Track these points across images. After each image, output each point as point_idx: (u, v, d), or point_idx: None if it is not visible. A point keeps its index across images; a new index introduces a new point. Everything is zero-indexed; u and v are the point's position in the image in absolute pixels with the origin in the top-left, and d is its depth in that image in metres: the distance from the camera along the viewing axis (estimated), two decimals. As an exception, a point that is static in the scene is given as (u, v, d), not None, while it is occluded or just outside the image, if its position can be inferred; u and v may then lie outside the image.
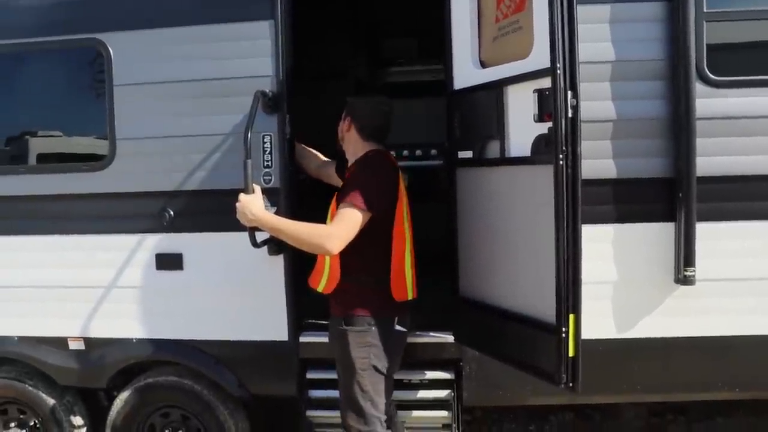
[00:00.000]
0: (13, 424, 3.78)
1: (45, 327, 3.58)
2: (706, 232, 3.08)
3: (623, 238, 3.17)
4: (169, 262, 3.41)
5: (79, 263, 3.51)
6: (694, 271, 3.08)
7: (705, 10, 3.02)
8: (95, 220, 3.48)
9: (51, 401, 3.65)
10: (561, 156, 2.52)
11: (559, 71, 2.52)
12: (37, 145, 3.67)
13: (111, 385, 3.64)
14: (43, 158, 3.67)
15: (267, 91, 3.22)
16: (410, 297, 3.00)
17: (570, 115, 2.53)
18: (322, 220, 2.93)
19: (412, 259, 3.02)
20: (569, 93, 2.53)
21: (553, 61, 2.53)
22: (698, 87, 3.03)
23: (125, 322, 3.49)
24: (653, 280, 3.18)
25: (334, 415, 3.32)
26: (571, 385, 2.65)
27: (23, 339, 3.62)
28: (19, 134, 3.68)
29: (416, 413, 3.31)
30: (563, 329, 2.59)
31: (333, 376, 3.13)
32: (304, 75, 3.86)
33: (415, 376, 3.35)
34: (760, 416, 4.37)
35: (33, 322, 3.60)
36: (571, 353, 2.61)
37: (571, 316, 2.60)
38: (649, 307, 3.22)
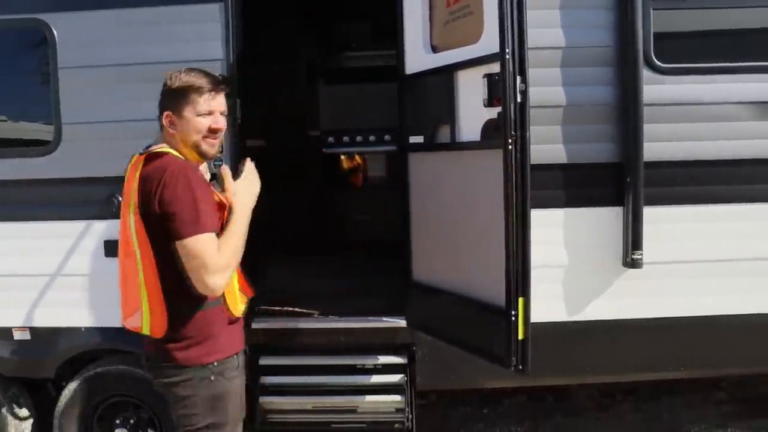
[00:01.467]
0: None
1: (-11, 317, 3.48)
2: (653, 216, 3.14)
3: (573, 223, 3.21)
4: (117, 249, 3.33)
5: (24, 250, 3.42)
6: (641, 254, 3.13)
7: (652, -2, 3.06)
8: (41, 207, 3.39)
9: (-6, 393, 3.56)
10: (510, 141, 2.54)
11: (508, 56, 2.53)
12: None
13: (59, 375, 3.56)
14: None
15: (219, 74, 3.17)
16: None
17: (519, 100, 2.55)
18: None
19: None
20: (518, 78, 2.54)
21: (502, 46, 2.54)
22: (645, 74, 3.07)
23: (73, 310, 3.41)
24: (602, 264, 3.23)
25: (287, 401, 3.32)
26: (521, 367, 2.68)
27: (-35, 330, 3.51)
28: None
29: (369, 398, 3.31)
30: (513, 313, 2.62)
31: (286, 362, 3.13)
32: (254, 59, 3.80)
33: (367, 361, 3.35)
34: (701, 393, 4.54)
35: (-25, 312, 3.49)
36: (520, 336, 2.64)
37: (521, 300, 2.63)
38: (598, 290, 3.27)
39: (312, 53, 5.86)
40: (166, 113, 2.35)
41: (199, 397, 2.31)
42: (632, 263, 3.14)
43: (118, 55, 3.30)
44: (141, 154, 2.36)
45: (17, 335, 3.47)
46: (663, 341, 3.31)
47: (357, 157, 5.93)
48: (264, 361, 3.38)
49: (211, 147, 2.37)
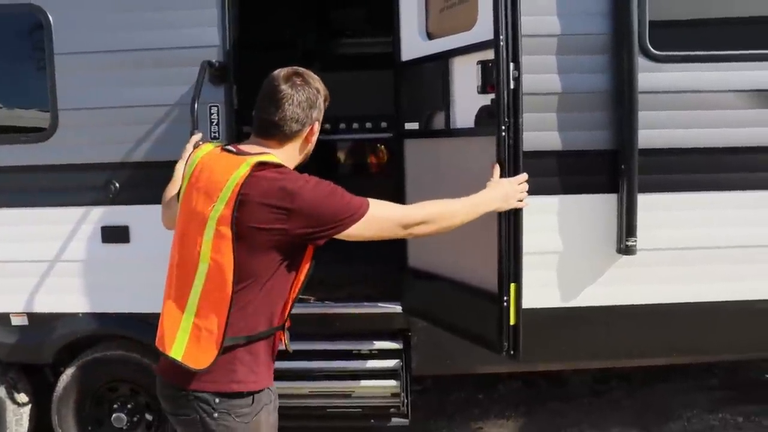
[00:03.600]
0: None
1: (-14, 303, 3.50)
2: (647, 203, 3.15)
3: (567, 209, 3.23)
4: (115, 234, 3.36)
5: (22, 237, 3.43)
6: (635, 241, 3.14)
7: (647, -15, 3.06)
8: (38, 193, 3.40)
9: (-7, 377, 3.58)
10: (503, 127, 2.55)
11: (502, 43, 2.53)
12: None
13: (57, 360, 3.58)
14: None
15: (214, 61, 3.18)
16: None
17: (512, 86, 2.55)
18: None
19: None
20: (511, 65, 2.55)
21: (496, 33, 2.54)
22: (641, 61, 3.07)
23: (71, 296, 3.43)
24: (596, 250, 3.25)
25: (284, 386, 3.33)
26: (512, 353, 2.70)
27: (-37, 315, 3.53)
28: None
29: (365, 383, 3.33)
30: (505, 298, 2.64)
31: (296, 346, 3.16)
32: (251, 45, 3.80)
33: (363, 347, 3.37)
34: (694, 380, 4.57)
35: (-26, 297, 3.51)
36: (512, 322, 2.66)
37: (513, 286, 2.65)
38: (592, 276, 3.29)
39: (309, 40, 5.84)
40: (313, 124, 2.11)
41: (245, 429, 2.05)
42: (626, 250, 3.16)
43: (114, 41, 3.29)
44: (233, 152, 2.04)
45: (15, 321, 3.48)
46: (656, 327, 3.34)
47: (382, 149, 5.90)
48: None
49: None
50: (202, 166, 2.06)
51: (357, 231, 2.01)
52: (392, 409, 3.35)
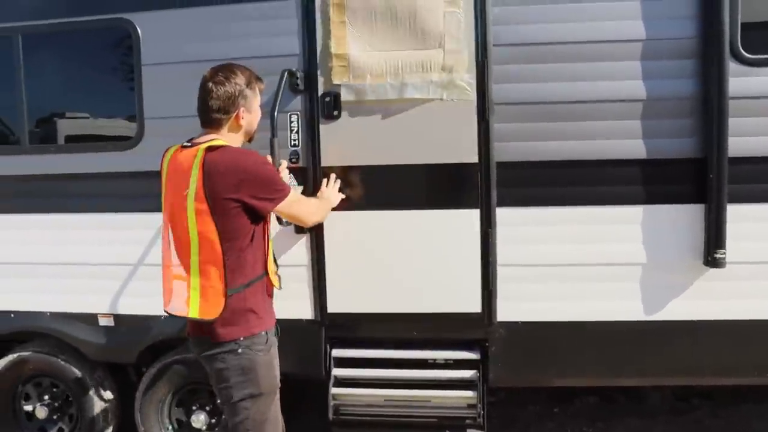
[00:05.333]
0: (46, 396, 3.87)
1: (76, 303, 3.64)
2: (737, 213, 3.04)
3: (652, 220, 3.14)
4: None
5: (108, 241, 3.57)
6: (724, 253, 3.04)
7: (740, -14, 2.96)
8: (124, 199, 3.53)
9: (82, 375, 3.72)
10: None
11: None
12: (67, 126, 3.73)
13: (140, 360, 3.69)
14: (73, 138, 3.72)
15: (294, 70, 3.23)
16: None
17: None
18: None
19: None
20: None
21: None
22: (731, 66, 2.97)
23: (153, 299, 3.50)
24: (682, 263, 3.15)
25: (359, 394, 3.35)
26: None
27: (55, 315, 3.68)
28: (50, 115, 3.73)
29: (442, 393, 3.31)
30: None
31: (358, 354, 3.18)
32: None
33: (440, 356, 3.35)
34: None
35: (64, 298, 3.66)
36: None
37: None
38: (677, 289, 3.19)
39: None
40: (239, 110, 2.64)
41: (230, 370, 2.59)
42: (714, 262, 3.05)
43: (198, 52, 3.37)
44: (189, 146, 2.62)
45: (102, 321, 3.62)
46: (744, 345, 3.19)
47: None
48: (336, 353, 3.42)
49: None
50: (171, 163, 2.65)
51: (284, 208, 2.66)
52: (468, 420, 3.30)
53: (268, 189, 2.58)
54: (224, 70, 2.62)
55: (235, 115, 2.63)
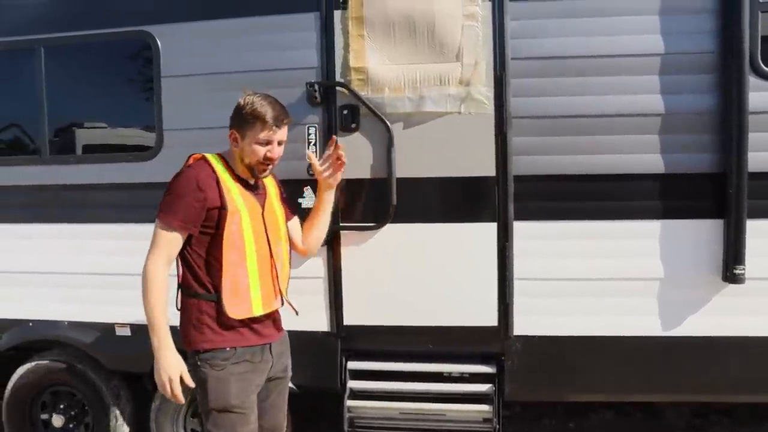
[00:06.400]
0: (63, 405, 3.90)
1: (94, 313, 3.67)
2: (757, 229, 3.02)
3: (670, 235, 3.12)
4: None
5: (126, 251, 3.55)
6: (743, 269, 3.02)
7: (760, 0, 2.95)
8: (142, 209, 3.53)
9: (99, 384, 3.74)
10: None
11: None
12: (87, 136, 3.77)
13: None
14: (92, 148, 3.76)
15: (313, 82, 3.25)
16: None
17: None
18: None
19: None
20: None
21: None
22: (751, 80, 2.96)
23: (171, 310, 3.53)
24: (700, 278, 3.13)
25: (374, 406, 3.34)
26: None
27: (73, 324, 3.71)
28: (70, 125, 3.77)
29: (457, 406, 3.29)
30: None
31: (374, 367, 3.18)
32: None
33: (456, 369, 3.34)
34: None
35: (82, 307, 3.68)
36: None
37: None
38: (695, 305, 3.16)
39: None
40: (232, 131, 2.64)
41: (196, 380, 2.62)
42: (733, 278, 3.03)
43: (218, 64, 3.41)
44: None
45: (119, 331, 3.64)
46: (764, 362, 3.16)
47: None
48: (352, 365, 3.42)
49: (262, 172, 2.66)
50: None
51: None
52: (484, 434, 3.29)
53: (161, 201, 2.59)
54: (248, 92, 2.66)
55: (230, 132, 2.66)
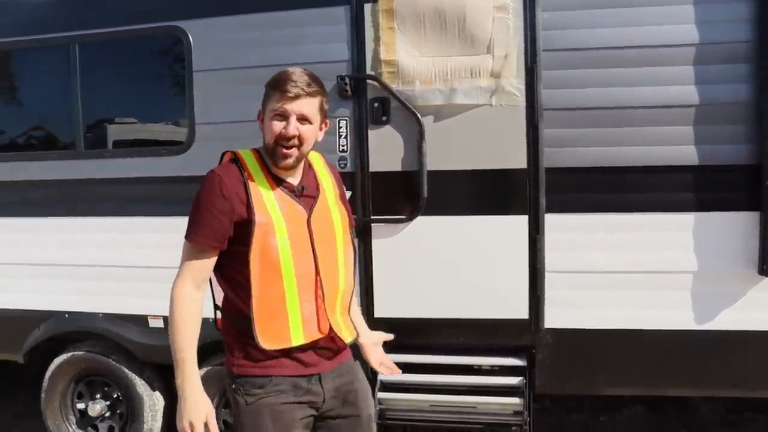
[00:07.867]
0: (98, 395, 3.98)
1: (127, 305, 3.73)
2: (793, 221, 2.96)
3: (704, 227, 3.08)
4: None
5: (159, 244, 3.62)
6: (780, 262, 2.96)
7: (797, -12, 2.90)
8: (174, 203, 3.57)
9: (132, 375, 3.80)
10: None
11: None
12: (120, 130, 3.83)
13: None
14: (125, 143, 3.82)
15: (344, 75, 3.26)
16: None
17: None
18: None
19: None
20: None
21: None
22: (787, 70, 2.91)
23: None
24: (735, 271, 3.08)
25: (405, 398, 3.35)
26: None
27: (107, 316, 3.77)
28: (103, 120, 3.83)
29: (488, 399, 3.29)
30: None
31: (405, 359, 3.17)
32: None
33: (487, 362, 3.33)
34: None
35: (116, 300, 3.75)
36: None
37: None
38: (730, 298, 3.12)
39: None
40: (259, 111, 2.20)
41: (233, 403, 2.23)
42: (770, 272, 2.98)
43: (247, 58, 3.44)
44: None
45: (152, 323, 3.69)
46: (802, 357, 3.11)
47: None
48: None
49: (283, 158, 2.11)
50: None
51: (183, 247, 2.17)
52: (514, 427, 3.28)
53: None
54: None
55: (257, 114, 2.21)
